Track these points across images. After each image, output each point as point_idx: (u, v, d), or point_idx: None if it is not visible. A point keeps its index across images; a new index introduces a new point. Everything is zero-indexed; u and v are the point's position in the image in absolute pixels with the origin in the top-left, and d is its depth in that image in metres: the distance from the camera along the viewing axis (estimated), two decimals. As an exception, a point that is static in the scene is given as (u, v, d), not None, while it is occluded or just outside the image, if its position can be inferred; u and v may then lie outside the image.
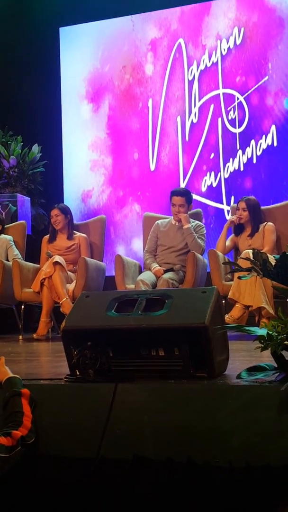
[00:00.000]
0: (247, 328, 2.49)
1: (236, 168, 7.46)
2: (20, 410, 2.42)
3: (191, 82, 7.72)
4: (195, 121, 7.67)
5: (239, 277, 2.67)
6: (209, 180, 7.58)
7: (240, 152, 7.45)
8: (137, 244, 7.48)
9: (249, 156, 7.40)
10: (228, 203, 7.38)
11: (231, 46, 7.56)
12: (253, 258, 2.51)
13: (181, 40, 7.80)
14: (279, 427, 2.24)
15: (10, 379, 2.60)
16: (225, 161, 7.52)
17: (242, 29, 7.51)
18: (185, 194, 5.97)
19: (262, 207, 5.98)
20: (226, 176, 7.50)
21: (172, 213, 5.97)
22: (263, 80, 7.35)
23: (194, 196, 6.83)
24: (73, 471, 2.39)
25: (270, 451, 2.22)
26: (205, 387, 2.47)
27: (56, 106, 8.29)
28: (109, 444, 2.37)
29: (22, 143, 7.82)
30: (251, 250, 2.57)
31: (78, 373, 2.65)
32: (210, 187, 7.57)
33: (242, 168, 7.43)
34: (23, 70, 8.14)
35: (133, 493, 2.31)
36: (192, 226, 5.89)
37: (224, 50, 7.59)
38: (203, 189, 7.58)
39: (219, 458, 2.24)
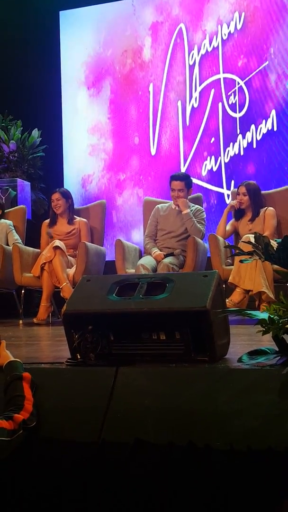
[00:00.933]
0: (249, 311, 2.49)
1: (236, 152, 7.44)
2: (21, 394, 2.42)
3: (191, 67, 7.69)
4: (195, 105, 7.65)
5: (241, 261, 2.67)
6: (209, 164, 7.56)
7: (240, 136, 7.43)
8: (138, 229, 7.47)
9: (249, 140, 7.38)
10: (229, 188, 7.37)
11: (232, 31, 7.52)
12: (255, 241, 2.50)
13: (182, 25, 7.76)
14: (280, 411, 2.23)
15: (11, 363, 2.60)
16: (225, 146, 7.50)
17: (243, 14, 7.47)
18: (184, 178, 5.95)
19: (263, 192, 5.97)
20: (227, 160, 7.49)
21: (172, 197, 5.96)
22: (263, 65, 7.31)
23: (195, 181, 6.82)
24: (74, 454, 2.39)
25: (271, 434, 2.21)
26: (206, 370, 2.47)
27: (56, 91, 8.26)
28: (110, 428, 2.37)
29: (22, 128, 7.80)
30: (253, 234, 2.57)
31: (79, 357, 2.65)
32: (210, 171, 7.55)
33: (242, 153, 7.42)
34: (23, 54, 8.11)
35: (134, 477, 2.31)
36: (192, 210, 5.88)
37: (225, 34, 7.55)
38: (204, 173, 7.56)
39: (220, 441, 2.24)
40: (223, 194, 7.46)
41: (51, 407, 2.47)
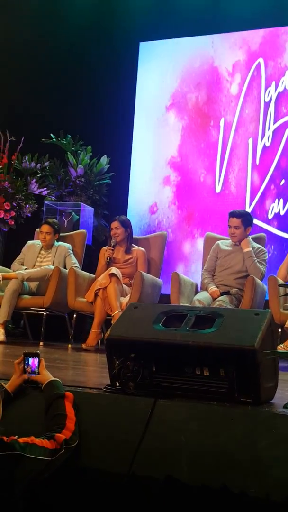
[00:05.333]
0: (298, 356, 2.37)
1: (308, 197, 7.23)
2: (63, 413, 2.39)
3: (267, 104, 7.53)
4: (267, 144, 7.47)
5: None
6: (277, 207, 7.35)
7: (313, 181, 7.22)
8: (196, 265, 7.37)
9: None
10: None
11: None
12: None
13: (260, 60, 7.63)
14: None
15: (51, 382, 2.58)
16: (297, 189, 7.30)
17: None
18: (242, 215, 5.85)
19: None
20: (296, 205, 7.29)
21: (229, 234, 5.87)
22: None
23: (259, 223, 6.67)
24: (101, 484, 2.30)
25: (311, 487, 2.08)
26: (248, 412, 2.36)
27: (128, 120, 8.29)
28: (142, 461, 2.28)
29: (91, 154, 7.84)
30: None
31: (118, 384, 2.57)
32: (277, 215, 7.34)
33: (314, 198, 7.19)
34: (99, 81, 8.21)
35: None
36: (254, 249, 5.76)
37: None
38: (270, 216, 7.37)
39: (256, 489, 2.12)
40: (288, 240, 7.25)
41: (84, 431, 2.39)
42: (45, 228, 6.43)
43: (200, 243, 7.24)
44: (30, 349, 2.70)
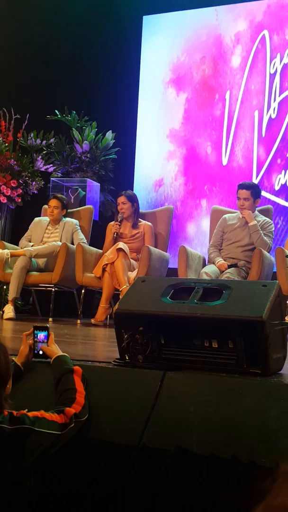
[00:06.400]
0: (306, 326, 2.38)
1: (314, 168, 7.19)
2: (73, 387, 2.40)
3: (272, 76, 7.46)
4: (273, 116, 7.42)
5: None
6: (283, 178, 7.32)
7: None
8: (203, 239, 7.36)
9: None
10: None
11: None
12: None
13: (265, 32, 7.54)
14: None
15: (59, 358, 2.58)
16: (302, 160, 7.26)
17: None
18: (251, 187, 5.84)
19: None
20: (303, 176, 7.26)
21: (237, 206, 5.86)
22: None
23: (267, 195, 6.63)
24: (112, 456, 2.32)
25: None
26: (257, 383, 2.37)
27: (133, 95, 8.24)
28: (152, 432, 2.29)
29: (96, 129, 7.81)
30: None
31: (127, 357, 2.58)
32: (284, 186, 7.32)
33: None
34: (103, 56, 8.15)
35: (172, 485, 2.22)
36: (260, 222, 5.75)
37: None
38: (276, 187, 7.34)
39: (266, 458, 2.13)
40: (295, 210, 7.22)
41: (94, 405, 2.40)
42: (53, 202, 6.44)
43: (207, 216, 7.23)
44: (40, 324, 2.71)
